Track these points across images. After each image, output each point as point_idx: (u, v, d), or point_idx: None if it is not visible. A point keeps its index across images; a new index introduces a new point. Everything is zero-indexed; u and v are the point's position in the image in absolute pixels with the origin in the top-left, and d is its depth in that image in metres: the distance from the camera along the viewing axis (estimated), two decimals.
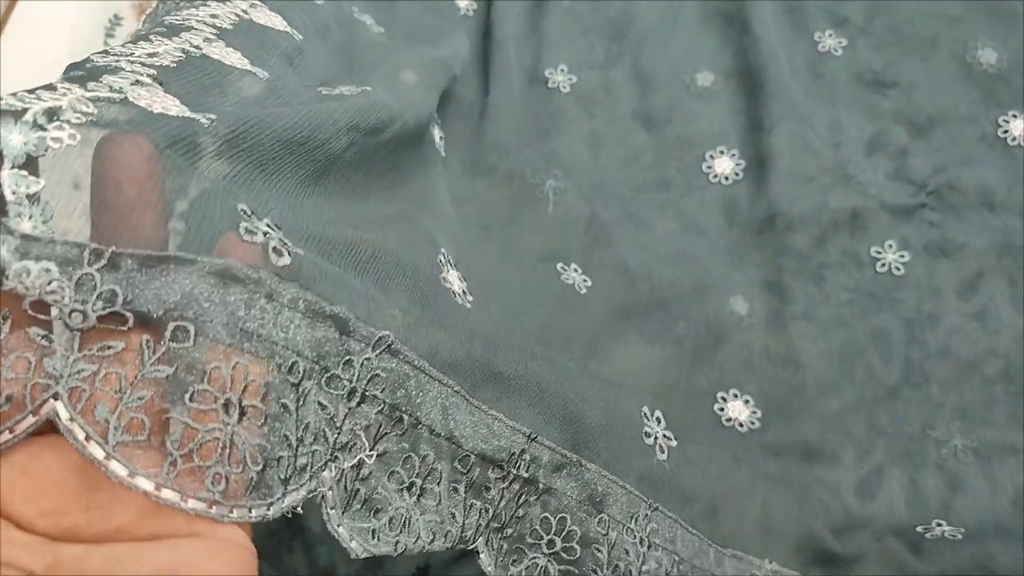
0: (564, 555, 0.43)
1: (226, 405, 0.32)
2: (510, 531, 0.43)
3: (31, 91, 0.34)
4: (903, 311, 0.68)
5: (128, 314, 0.31)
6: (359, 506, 0.37)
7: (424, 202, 0.59)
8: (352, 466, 0.37)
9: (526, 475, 0.43)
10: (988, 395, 0.64)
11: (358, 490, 0.37)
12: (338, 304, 0.37)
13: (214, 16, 0.48)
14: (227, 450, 0.32)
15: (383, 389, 0.38)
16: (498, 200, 0.72)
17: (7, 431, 0.30)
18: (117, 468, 0.30)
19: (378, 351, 0.38)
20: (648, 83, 0.78)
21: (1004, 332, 0.66)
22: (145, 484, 0.30)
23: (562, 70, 0.79)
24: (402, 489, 0.39)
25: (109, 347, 0.31)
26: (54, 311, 0.31)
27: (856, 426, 0.64)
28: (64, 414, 0.30)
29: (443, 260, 0.53)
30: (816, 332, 0.67)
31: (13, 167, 0.31)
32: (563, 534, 0.44)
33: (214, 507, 0.32)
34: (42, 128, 0.32)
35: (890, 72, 0.78)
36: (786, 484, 0.62)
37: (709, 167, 0.74)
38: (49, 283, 0.30)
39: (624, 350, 0.65)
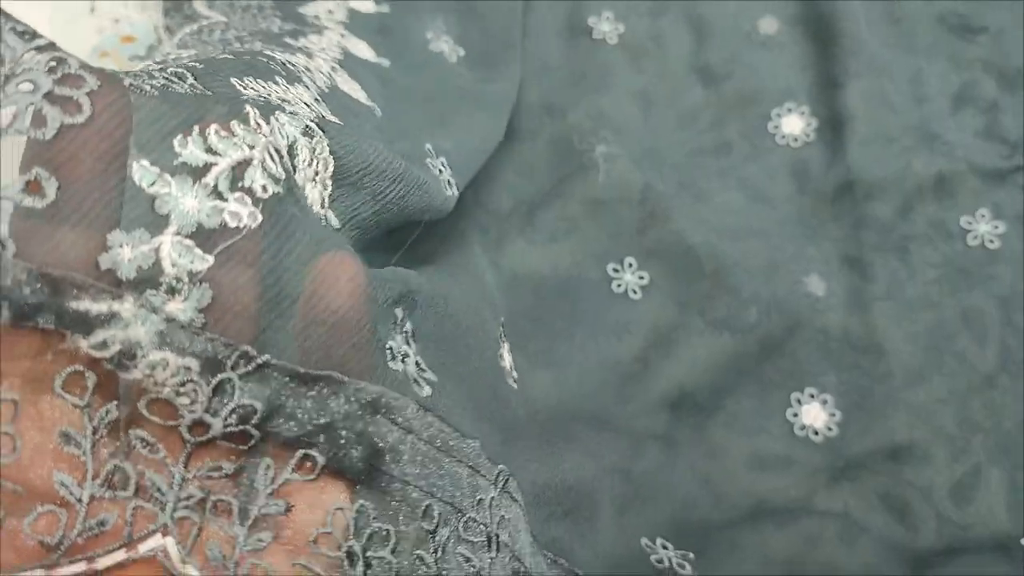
0: None
1: (350, 556, 0.28)
2: None
3: (217, 107, 0.29)
4: (998, 289, 0.60)
5: (256, 433, 0.27)
6: None
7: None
8: None
9: None
10: None
11: None
12: (471, 437, 0.34)
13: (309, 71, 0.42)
14: None
15: (508, 533, 0.34)
16: (542, 172, 0.64)
17: (85, 561, 0.26)
18: None
19: (499, 487, 0.35)
20: (704, 32, 0.70)
21: None
22: None
23: (607, 18, 0.70)
24: None
25: (221, 468, 0.27)
26: (177, 416, 0.27)
27: (948, 420, 0.57)
28: (175, 553, 0.26)
29: (501, 333, 0.51)
30: (901, 314, 0.60)
31: (179, 234, 0.26)
32: None
33: None
34: (221, 197, 0.27)
35: (977, 16, 0.69)
36: (869, 490, 0.56)
37: (776, 127, 0.66)
38: (184, 384, 0.26)
39: (689, 344, 0.58)
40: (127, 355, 0.25)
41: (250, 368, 0.27)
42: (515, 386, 0.49)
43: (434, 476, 0.31)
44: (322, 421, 0.28)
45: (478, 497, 0.33)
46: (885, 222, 0.62)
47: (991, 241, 0.61)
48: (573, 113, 0.65)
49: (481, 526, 0.32)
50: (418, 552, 0.30)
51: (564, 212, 0.62)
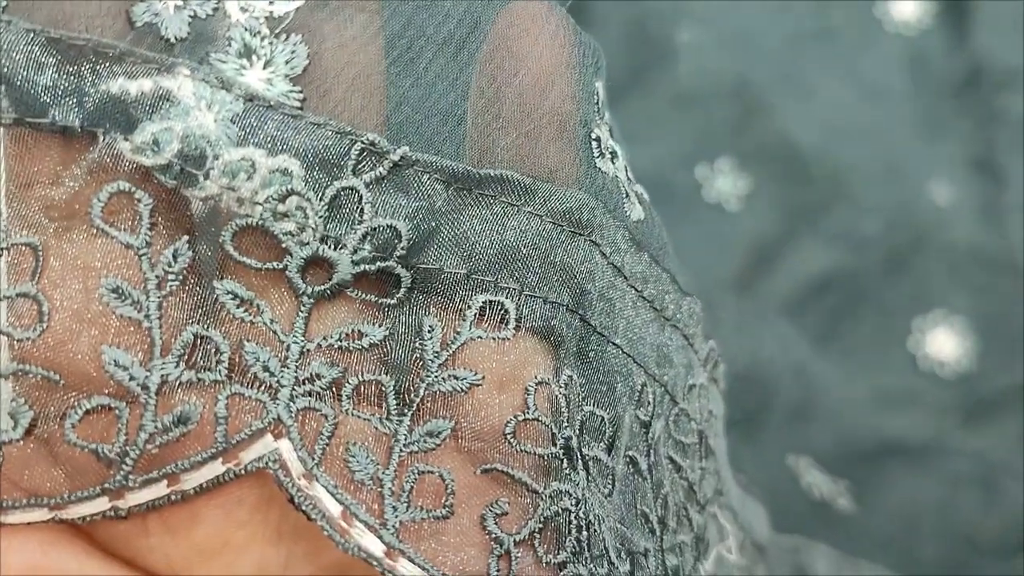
0: None
1: (568, 451, 0.18)
2: None
3: None
4: None
5: (405, 274, 0.17)
6: None
7: None
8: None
9: None
10: None
11: None
12: (688, 294, 0.23)
13: None
14: (584, 533, 0.18)
15: (715, 435, 0.24)
16: (614, 62, 0.55)
17: (166, 479, 0.16)
18: (409, 570, 0.17)
19: (708, 368, 0.24)
20: None
21: None
22: None
23: None
24: None
25: (361, 334, 0.17)
26: (281, 254, 0.17)
27: None
28: (296, 466, 0.17)
29: None
30: None
31: None
32: None
33: None
34: None
35: None
36: (1009, 433, 0.47)
37: (884, 12, 0.56)
38: (285, 197, 0.16)
39: (797, 261, 0.49)
40: (192, 159, 0.16)
41: (382, 170, 0.17)
42: None
43: (647, 343, 0.21)
44: (503, 248, 0.18)
45: (690, 382, 0.23)
46: (1018, 118, 0.53)
47: None
48: None
49: (692, 422, 0.23)
50: (631, 454, 0.20)
51: (644, 109, 0.53)
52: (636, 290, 0.21)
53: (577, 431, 0.19)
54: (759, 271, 0.49)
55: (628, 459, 0.20)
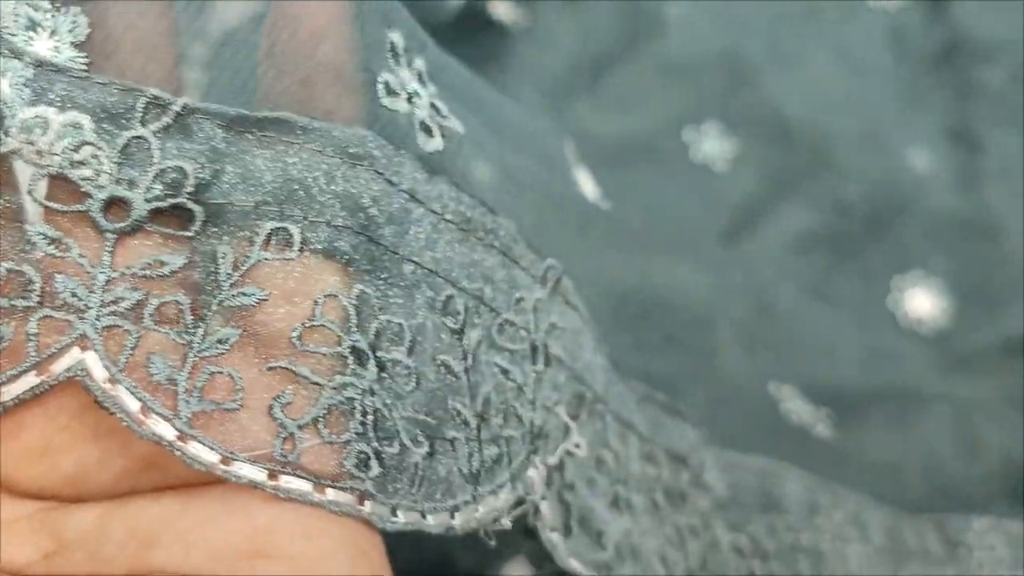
0: None
1: (355, 352, 0.21)
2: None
3: None
4: None
5: (197, 208, 0.20)
6: (577, 527, 0.26)
7: None
8: (556, 465, 0.26)
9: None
10: None
11: (569, 503, 0.26)
12: (504, 215, 0.26)
13: None
14: (370, 417, 0.21)
15: (563, 346, 0.27)
16: (607, 31, 0.56)
17: None
18: (201, 452, 0.19)
19: (549, 286, 0.27)
20: None
21: None
22: (253, 472, 0.19)
23: None
24: (607, 502, 0.27)
25: (162, 263, 0.20)
26: (82, 197, 0.20)
27: None
28: (100, 372, 0.19)
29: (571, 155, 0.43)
30: (1019, 191, 0.53)
31: None
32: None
33: (367, 502, 0.20)
34: None
35: None
36: (988, 392, 0.49)
37: None
38: (78, 147, 0.19)
39: (779, 223, 0.51)
40: None
41: (168, 119, 0.20)
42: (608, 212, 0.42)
43: (454, 260, 0.24)
44: (286, 181, 0.21)
45: (516, 295, 0.26)
46: (997, 89, 0.55)
47: None
48: None
49: (523, 331, 0.26)
50: (442, 358, 0.23)
51: (635, 76, 0.55)
52: (435, 212, 0.24)
53: (372, 336, 0.21)
54: (744, 229, 0.50)
55: (440, 363, 0.23)
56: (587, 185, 0.43)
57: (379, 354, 0.21)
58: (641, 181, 0.50)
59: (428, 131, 0.24)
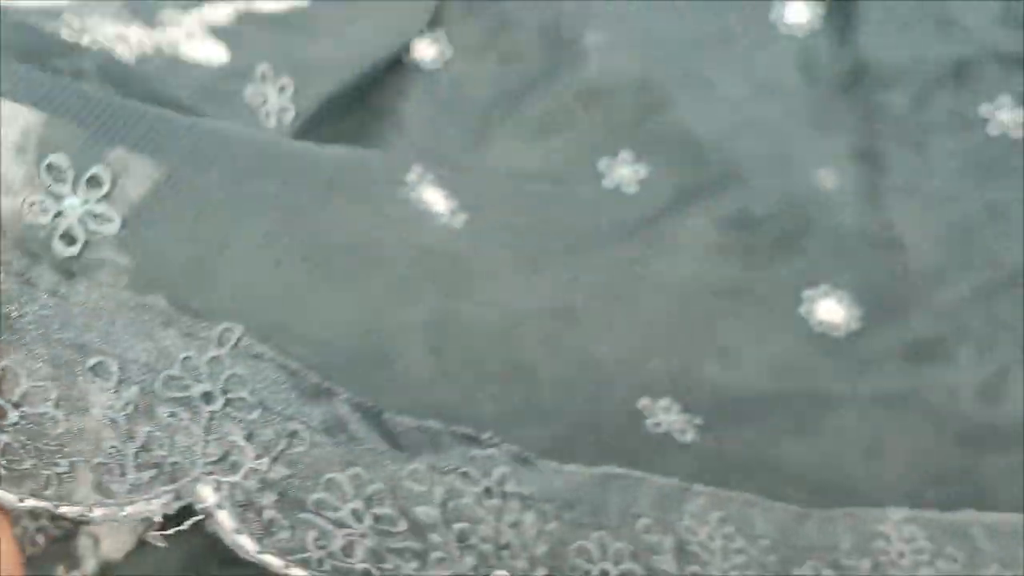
0: None
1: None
2: None
3: None
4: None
5: None
6: (285, 531, 0.33)
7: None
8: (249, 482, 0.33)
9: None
10: None
11: (265, 510, 0.33)
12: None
13: None
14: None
15: (252, 391, 0.34)
16: (527, 67, 0.59)
17: None
18: None
19: (226, 346, 0.34)
20: None
21: None
22: None
23: None
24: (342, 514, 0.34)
25: None
26: None
27: (974, 319, 0.53)
28: None
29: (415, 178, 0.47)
30: (920, 208, 0.55)
31: None
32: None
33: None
34: None
35: None
36: (892, 395, 0.51)
37: (779, 15, 0.61)
38: None
39: (689, 239, 0.53)
40: None
41: None
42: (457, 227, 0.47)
43: (111, 334, 0.32)
44: None
45: (182, 355, 0.33)
46: (900, 112, 0.58)
47: (1014, 130, 0.57)
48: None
49: (190, 383, 0.33)
50: (97, 410, 0.31)
51: (554, 104, 0.57)
52: (82, 303, 0.32)
53: (18, 397, 0.30)
54: (653, 246, 0.53)
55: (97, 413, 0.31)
56: (438, 205, 0.46)
57: (23, 408, 0.30)
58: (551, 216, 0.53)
59: (72, 239, 0.32)
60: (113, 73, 0.39)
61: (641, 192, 0.55)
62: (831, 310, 0.53)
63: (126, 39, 0.41)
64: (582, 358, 0.47)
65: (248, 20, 0.49)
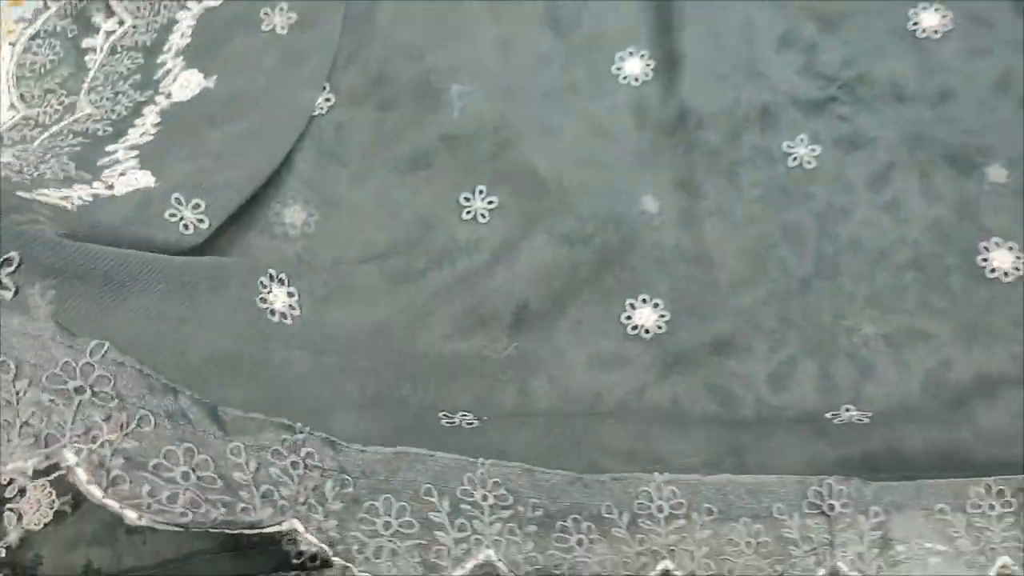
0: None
1: None
2: None
3: None
4: (815, 205, 0.67)
5: None
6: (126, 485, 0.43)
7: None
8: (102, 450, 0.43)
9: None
10: (899, 283, 0.64)
11: (112, 468, 0.43)
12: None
13: None
14: None
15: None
16: (401, 114, 0.69)
17: None
18: None
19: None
20: None
21: (914, 222, 0.66)
22: None
23: None
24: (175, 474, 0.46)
25: None
26: None
27: (768, 319, 0.63)
28: None
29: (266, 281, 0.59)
30: (729, 228, 0.66)
31: None
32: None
33: None
34: None
35: None
36: (695, 381, 0.61)
37: (619, 69, 0.72)
38: None
39: (532, 251, 0.64)
40: None
41: None
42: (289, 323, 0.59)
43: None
44: None
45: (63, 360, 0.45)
46: (714, 148, 0.69)
47: (809, 163, 0.68)
48: (431, 56, 0.71)
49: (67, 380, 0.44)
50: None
51: (423, 145, 0.68)
52: None
53: None
54: (501, 264, 0.63)
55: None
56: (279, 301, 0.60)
57: None
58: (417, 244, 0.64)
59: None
60: (61, 219, 0.52)
61: (493, 220, 0.65)
62: (645, 315, 0.63)
63: (69, 197, 0.56)
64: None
65: (167, 132, 0.64)
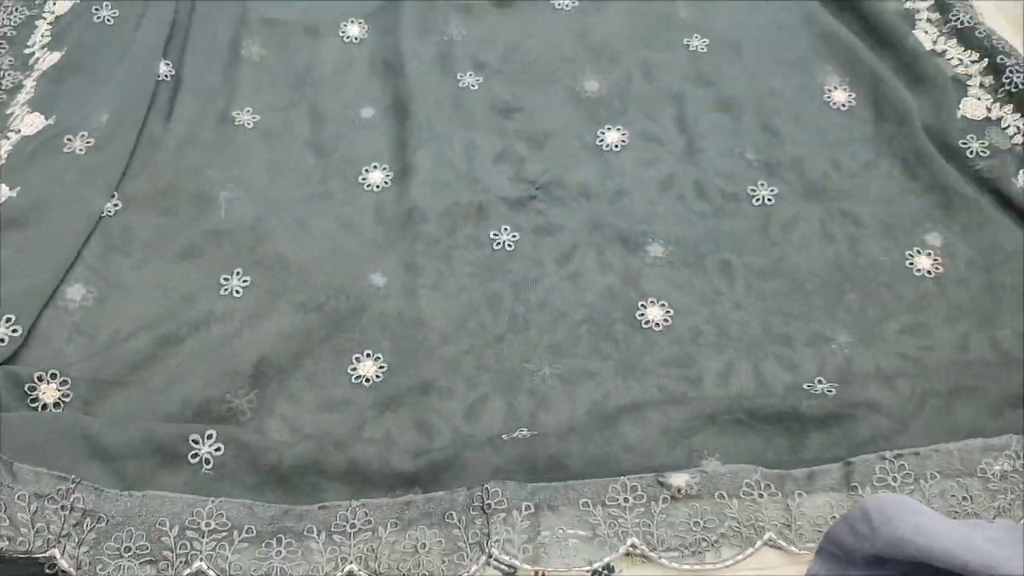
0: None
1: None
2: None
3: None
4: (513, 278, 0.84)
5: None
6: None
7: None
8: None
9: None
10: (574, 335, 0.80)
11: None
12: None
13: None
14: None
15: None
16: (179, 216, 0.86)
17: None
18: None
19: None
20: (322, 119, 0.95)
21: (590, 288, 0.83)
22: None
23: (248, 111, 0.94)
24: None
25: None
26: None
27: (468, 367, 0.78)
28: None
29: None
30: (441, 298, 0.82)
31: None
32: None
33: None
34: None
35: (516, 101, 0.97)
36: (405, 417, 0.75)
37: (364, 179, 0.90)
38: None
39: (274, 318, 0.78)
40: None
41: None
42: None
43: None
44: None
45: None
46: (435, 238, 0.86)
47: (510, 246, 0.85)
48: (210, 172, 0.88)
49: None
50: None
51: (194, 240, 0.83)
52: None
53: None
54: (248, 328, 0.77)
55: None
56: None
57: None
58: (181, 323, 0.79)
59: None
60: None
61: (245, 295, 0.80)
62: (367, 367, 0.78)
63: None
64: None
65: None
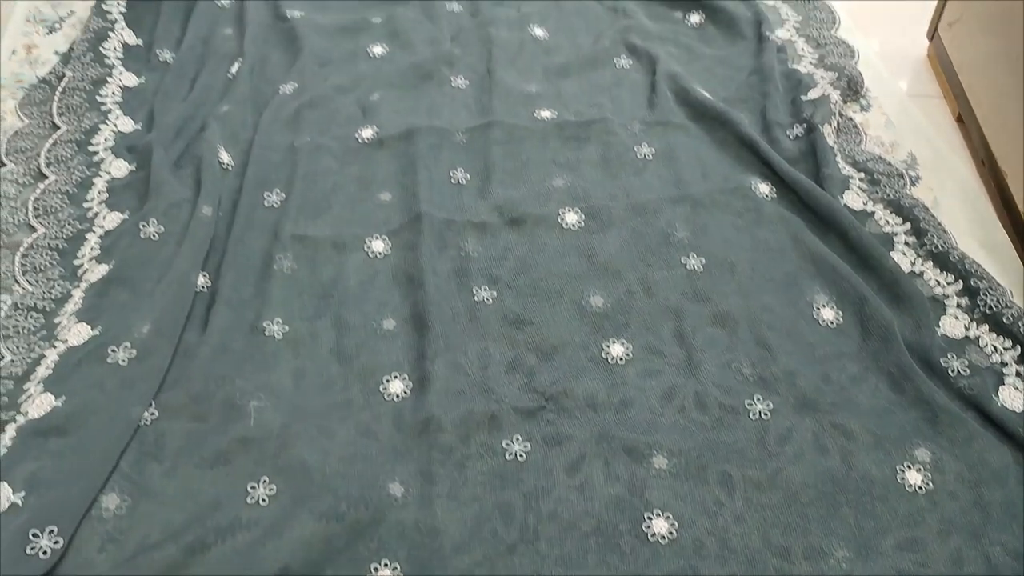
0: None
1: None
2: None
3: None
4: (524, 487, 0.88)
5: None
6: None
7: None
8: None
9: None
10: (583, 546, 0.84)
11: None
12: None
13: None
14: None
15: None
16: (209, 423, 0.91)
17: None
18: None
19: None
20: (345, 329, 1.02)
21: (597, 498, 0.87)
22: None
23: (277, 322, 1.02)
24: None
25: None
26: None
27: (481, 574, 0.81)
28: None
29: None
30: (455, 507, 0.86)
31: None
32: None
33: None
34: None
35: (527, 314, 1.04)
36: None
37: (384, 388, 0.96)
38: None
39: (297, 527, 0.82)
40: None
41: None
42: None
43: None
44: None
45: None
46: (450, 446, 0.90)
47: (521, 456, 0.90)
48: (240, 380, 0.94)
49: None
50: None
51: (223, 447, 0.88)
52: None
53: None
54: (271, 537, 0.81)
55: None
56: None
57: None
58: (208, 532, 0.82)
59: None
60: None
61: (271, 504, 0.84)
62: (385, 575, 0.81)
63: None
64: None
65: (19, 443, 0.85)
